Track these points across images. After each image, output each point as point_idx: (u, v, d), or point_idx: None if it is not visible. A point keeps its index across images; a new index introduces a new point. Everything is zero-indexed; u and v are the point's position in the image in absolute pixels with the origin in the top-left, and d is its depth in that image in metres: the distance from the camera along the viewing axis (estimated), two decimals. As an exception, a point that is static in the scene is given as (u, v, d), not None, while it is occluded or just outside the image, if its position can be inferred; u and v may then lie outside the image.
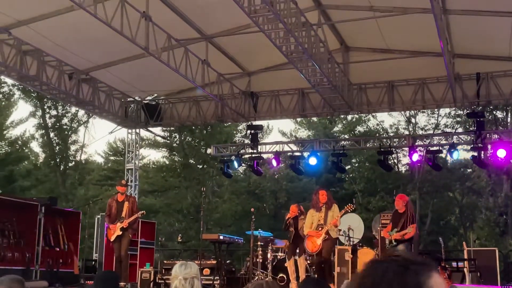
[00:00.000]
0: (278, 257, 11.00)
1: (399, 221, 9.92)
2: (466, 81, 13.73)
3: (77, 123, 32.31)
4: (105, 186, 33.42)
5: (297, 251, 10.44)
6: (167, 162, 34.34)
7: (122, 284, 9.92)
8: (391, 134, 28.45)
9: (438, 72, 13.24)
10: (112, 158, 37.59)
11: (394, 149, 16.22)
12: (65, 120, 31.97)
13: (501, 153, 13.40)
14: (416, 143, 15.17)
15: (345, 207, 10.22)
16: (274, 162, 15.60)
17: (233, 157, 15.92)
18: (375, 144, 16.18)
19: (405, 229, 9.73)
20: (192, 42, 12.76)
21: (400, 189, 25.85)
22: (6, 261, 11.01)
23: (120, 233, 10.59)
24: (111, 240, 10.74)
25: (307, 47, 10.83)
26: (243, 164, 16.62)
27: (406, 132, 28.71)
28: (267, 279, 4.05)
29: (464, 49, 13.06)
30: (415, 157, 14.38)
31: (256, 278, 10.15)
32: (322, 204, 9.91)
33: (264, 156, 16.44)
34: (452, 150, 14.10)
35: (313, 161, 15.17)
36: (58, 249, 12.77)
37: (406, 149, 16.28)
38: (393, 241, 9.86)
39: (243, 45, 13.36)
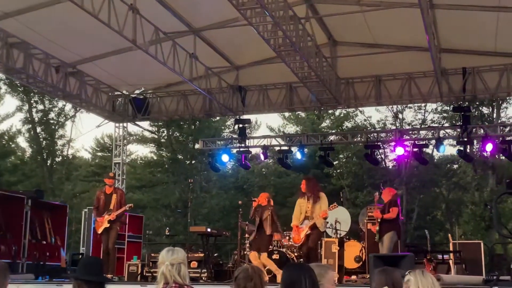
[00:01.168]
0: (266, 249, 11.02)
1: (384, 210, 10.04)
2: (452, 76, 13.83)
3: (64, 118, 32.15)
4: (93, 182, 33.29)
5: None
6: (155, 158, 34.27)
7: (109, 276, 9.90)
8: (379, 129, 28.56)
9: (425, 66, 13.33)
10: (99, 154, 37.45)
11: (381, 144, 16.29)
12: (52, 115, 31.81)
13: (489, 147, 13.53)
14: (403, 138, 15.26)
15: (330, 206, 10.17)
16: (261, 156, 15.63)
17: (221, 151, 15.92)
18: (363, 138, 16.25)
19: (386, 213, 9.85)
20: (180, 35, 12.74)
21: (387, 184, 25.97)
22: (-8, 253, 10.97)
23: (108, 225, 10.58)
24: (99, 232, 10.73)
25: (295, 40, 10.86)
26: (231, 160, 16.59)
27: (393, 128, 28.84)
28: (252, 264, 4.11)
29: (450, 44, 13.14)
30: (399, 150, 14.47)
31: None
32: (304, 192, 9.95)
33: (252, 150, 16.46)
34: (438, 144, 14.21)
35: (298, 155, 15.28)
36: (44, 242, 12.74)
37: (393, 144, 16.37)
38: (378, 220, 9.96)
39: (231, 39, 13.37)
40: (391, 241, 9.84)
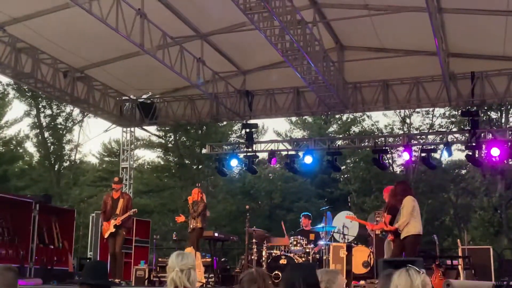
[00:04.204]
0: (273, 254, 10.99)
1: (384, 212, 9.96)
2: (460, 80, 13.79)
3: (71, 123, 32.24)
4: (100, 187, 33.36)
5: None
6: (162, 162, 34.29)
7: (117, 281, 9.89)
8: (386, 134, 28.50)
9: (433, 71, 13.30)
10: (106, 159, 37.54)
11: (389, 149, 16.24)
12: (59, 120, 31.88)
13: (495, 151, 13.44)
14: (411, 142, 15.20)
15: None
16: (272, 161, 15.50)
17: (229, 156, 15.92)
18: (370, 143, 16.19)
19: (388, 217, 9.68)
20: (187, 40, 12.77)
21: (395, 189, 25.86)
22: (0, 258, 10.97)
23: (114, 230, 10.55)
24: (105, 237, 10.72)
25: (302, 45, 10.84)
26: (239, 165, 16.58)
27: (401, 132, 28.77)
28: (257, 268, 4.17)
29: (458, 48, 13.10)
30: (406, 155, 14.41)
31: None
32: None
33: (259, 155, 16.42)
34: (446, 148, 14.15)
35: (308, 159, 15.18)
36: (52, 247, 12.73)
37: (401, 149, 16.31)
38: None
39: (238, 44, 13.39)
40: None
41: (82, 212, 14.25)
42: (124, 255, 11.64)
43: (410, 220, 9.24)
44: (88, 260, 13.99)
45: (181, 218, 11.25)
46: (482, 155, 14.23)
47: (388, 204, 9.78)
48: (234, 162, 15.94)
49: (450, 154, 14.65)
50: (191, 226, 10.70)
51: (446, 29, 12.07)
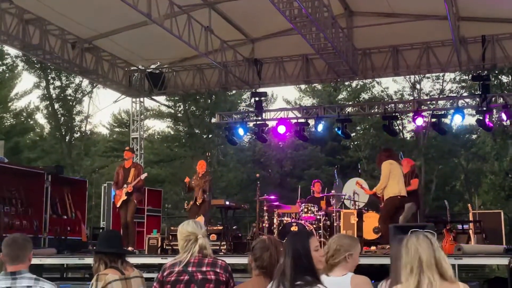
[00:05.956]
0: (284, 221, 11.07)
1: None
2: (471, 44, 13.61)
3: (81, 94, 32.32)
4: (111, 157, 33.59)
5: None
6: (172, 132, 34.41)
7: (130, 249, 10.02)
8: (396, 100, 28.34)
9: (443, 35, 13.14)
10: (117, 129, 37.69)
11: (399, 114, 16.15)
12: (69, 91, 31.99)
13: (504, 116, 13.38)
14: (421, 108, 15.10)
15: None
16: (283, 129, 15.35)
17: (238, 125, 15.90)
18: (380, 109, 16.12)
19: (407, 185, 9.82)
20: (195, 8, 12.65)
21: (405, 154, 25.85)
22: (15, 229, 11.12)
23: (125, 197, 10.64)
24: (118, 205, 10.82)
25: (311, 11, 10.72)
26: (248, 133, 16.53)
27: (411, 98, 28.60)
28: (270, 235, 4.24)
29: (469, 12, 12.89)
30: (419, 121, 14.34)
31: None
32: None
33: (269, 123, 16.40)
34: (457, 113, 14.06)
35: (321, 127, 15.20)
36: (65, 217, 12.92)
37: (411, 115, 16.23)
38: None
39: (246, 11, 13.25)
40: (409, 212, 9.86)
41: (94, 183, 14.44)
42: (136, 224, 11.77)
43: (389, 183, 9.35)
44: (101, 230, 14.19)
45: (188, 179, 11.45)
46: (493, 119, 14.14)
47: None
48: (241, 131, 15.92)
49: (462, 118, 14.55)
50: (199, 198, 10.82)
51: (457, -8, 11.88)
